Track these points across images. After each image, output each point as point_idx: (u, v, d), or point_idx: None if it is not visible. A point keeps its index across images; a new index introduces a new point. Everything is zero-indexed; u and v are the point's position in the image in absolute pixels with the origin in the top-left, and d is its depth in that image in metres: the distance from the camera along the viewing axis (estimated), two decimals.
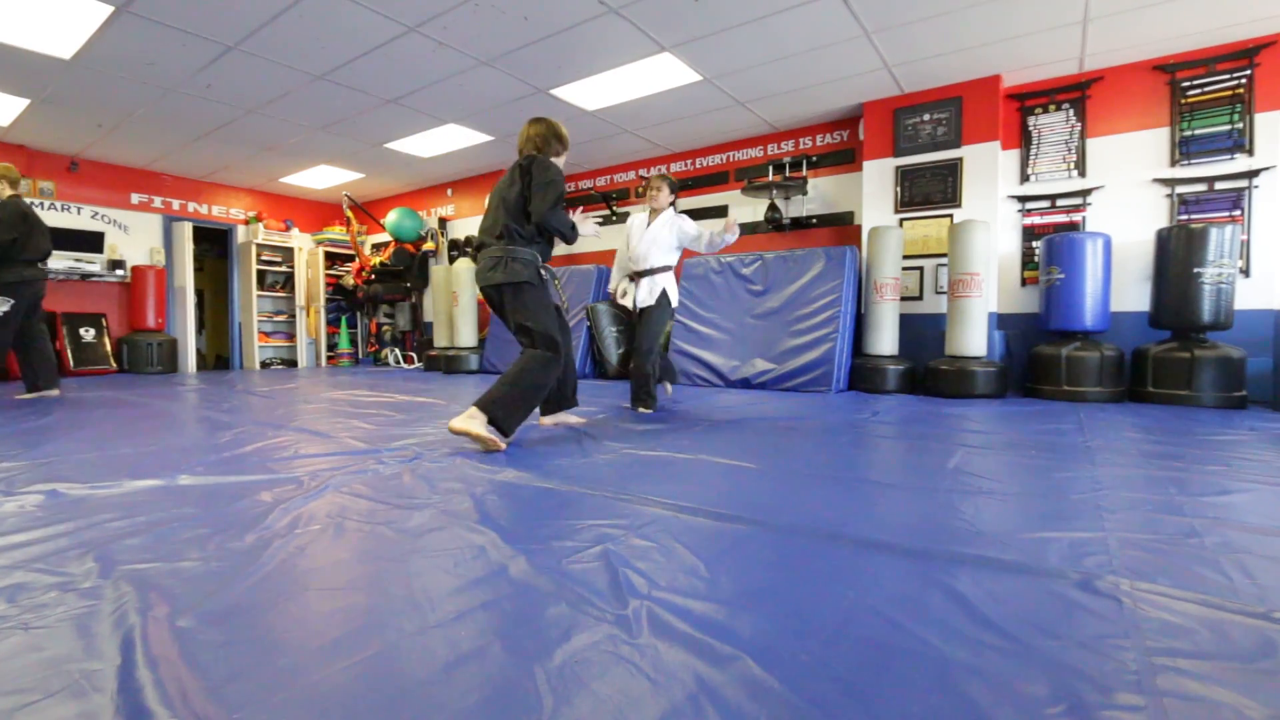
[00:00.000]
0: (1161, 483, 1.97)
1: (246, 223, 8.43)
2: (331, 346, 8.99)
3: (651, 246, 3.63)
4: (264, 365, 8.42)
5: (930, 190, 5.09)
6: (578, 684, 0.84)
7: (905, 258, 5.10)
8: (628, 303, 3.72)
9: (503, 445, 2.50)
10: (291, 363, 8.76)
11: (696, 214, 6.67)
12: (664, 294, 3.61)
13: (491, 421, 2.49)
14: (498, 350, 6.85)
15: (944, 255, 4.96)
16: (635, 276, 3.69)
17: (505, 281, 2.67)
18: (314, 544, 1.41)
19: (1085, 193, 4.68)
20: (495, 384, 2.57)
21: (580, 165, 7.43)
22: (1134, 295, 4.52)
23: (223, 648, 0.94)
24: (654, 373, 3.65)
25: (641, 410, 3.60)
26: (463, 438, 2.56)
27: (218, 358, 9.42)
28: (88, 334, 6.92)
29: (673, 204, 3.74)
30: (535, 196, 2.66)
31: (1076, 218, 4.73)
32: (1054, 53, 4.39)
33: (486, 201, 3.07)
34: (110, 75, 4.80)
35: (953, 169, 4.98)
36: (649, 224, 3.71)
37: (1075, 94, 4.71)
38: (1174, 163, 4.38)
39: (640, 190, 7.15)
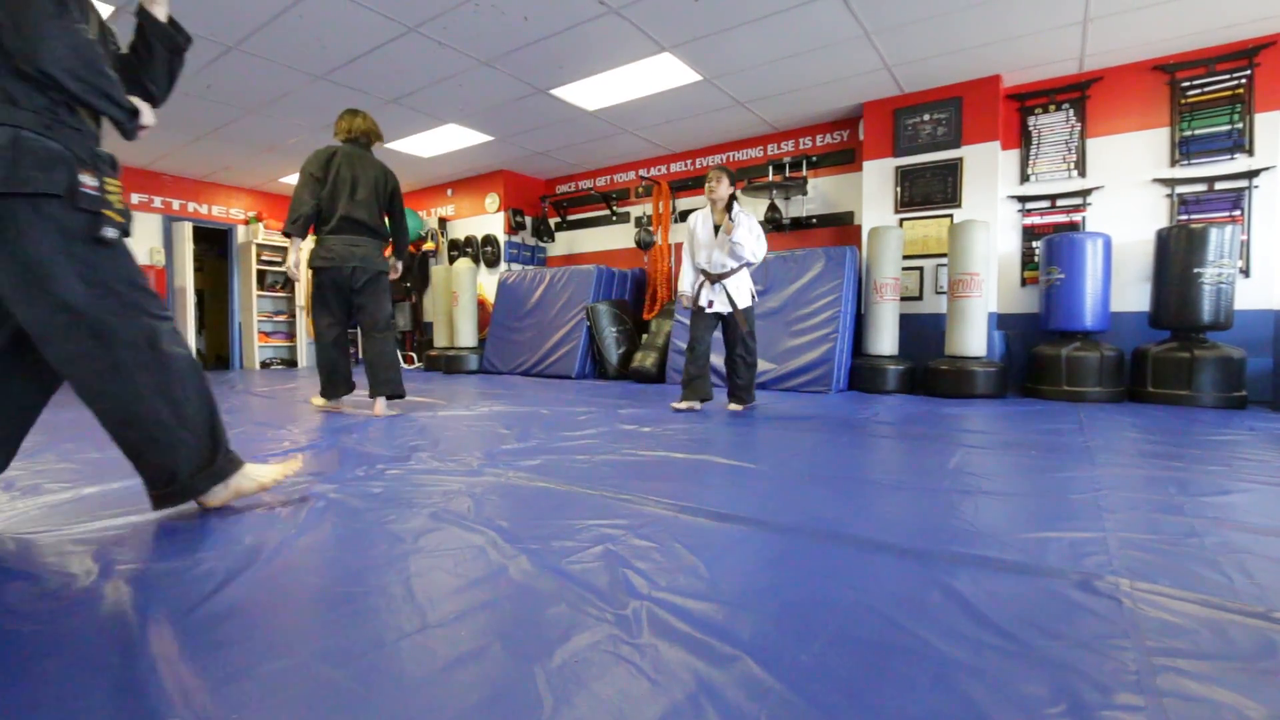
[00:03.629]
0: (1161, 483, 1.97)
1: (246, 223, 8.42)
2: None
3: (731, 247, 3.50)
4: (264, 365, 8.41)
5: (930, 190, 5.09)
6: (578, 684, 0.84)
7: (905, 258, 5.10)
8: (719, 306, 3.58)
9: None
10: (292, 363, 8.74)
11: None
12: (752, 292, 3.70)
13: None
14: (498, 350, 6.85)
15: (944, 255, 4.96)
16: (715, 278, 3.57)
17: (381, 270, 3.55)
18: (314, 544, 1.41)
19: (1085, 193, 4.68)
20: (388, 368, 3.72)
21: (580, 165, 7.43)
22: (1134, 295, 4.52)
23: (223, 648, 0.94)
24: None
25: (745, 407, 3.73)
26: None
27: (218, 358, 9.42)
28: None
29: (734, 196, 3.56)
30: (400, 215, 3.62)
31: (1076, 218, 4.73)
32: (1054, 53, 4.39)
33: (343, 174, 3.36)
34: None
35: (953, 169, 4.98)
36: (717, 223, 3.57)
37: (1075, 94, 4.71)
38: (1174, 163, 4.38)
39: (640, 190, 7.15)
